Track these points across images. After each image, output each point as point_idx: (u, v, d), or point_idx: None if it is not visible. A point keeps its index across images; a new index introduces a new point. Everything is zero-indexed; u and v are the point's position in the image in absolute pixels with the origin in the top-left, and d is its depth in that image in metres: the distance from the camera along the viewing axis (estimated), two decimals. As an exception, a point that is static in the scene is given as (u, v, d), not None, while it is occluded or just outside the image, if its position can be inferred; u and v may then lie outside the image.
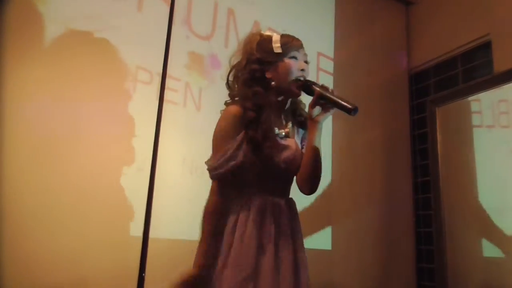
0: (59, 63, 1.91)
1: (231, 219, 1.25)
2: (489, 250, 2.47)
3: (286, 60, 1.33)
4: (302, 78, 1.32)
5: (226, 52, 2.31)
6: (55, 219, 1.78)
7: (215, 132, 1.30)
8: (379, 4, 3.14)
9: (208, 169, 1.28)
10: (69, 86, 1.92)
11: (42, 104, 1.85)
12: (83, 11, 2.01)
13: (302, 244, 1.32)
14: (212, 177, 1.28)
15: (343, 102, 1.19)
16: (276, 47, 1.33)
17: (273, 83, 1.32)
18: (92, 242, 1.82)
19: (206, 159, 1.30)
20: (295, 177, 1.37)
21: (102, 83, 2.01)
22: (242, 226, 1.23)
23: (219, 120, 1.31)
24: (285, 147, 1.31)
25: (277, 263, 1.21)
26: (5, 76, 1.77)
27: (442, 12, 2.96)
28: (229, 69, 1.40)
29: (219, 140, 1.28)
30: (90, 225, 1.84)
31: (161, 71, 2.13)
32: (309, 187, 1.33)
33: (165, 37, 2.17)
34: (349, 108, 1.16)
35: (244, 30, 2.42)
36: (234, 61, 1.39)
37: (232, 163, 1.23)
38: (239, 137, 1.25)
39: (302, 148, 1.39)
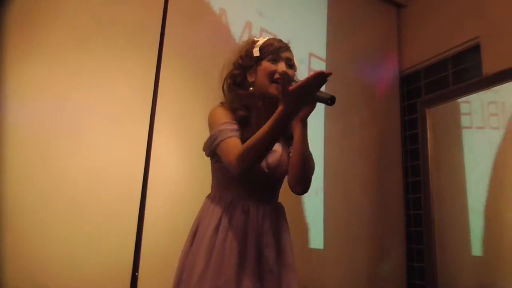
0: (58, 62, 1.92)
1: (213, 220, 1.25)
2: (478, 249, 2.51)
3: (264, 63, 1.32)
4: (279, 80, 1.26)
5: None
6: (50, 219, 1.78)
7: (210, 121, 1.30)
8: (371, 6, 3.17)
9: (210, 143, 1.26)
10: (67, 85, 1.92)
11: (41, 104, 1.86)
12: (82, 10, 2.02)
13: (290, 250, 1.30)
14: (214, 147, 1.24)
15: (319, 95, 1.16)
16: (255, 51, 1.33)
17: (251, 88, 1.32)
18: (86, 241, 1.83)
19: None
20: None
21: (99, 82, 2.02)
22: (225, 229, 1.22)
23: (210, 115, 1.31)
24: (271, 152, 1.28)
25: (259, 268, 1.21)
26: (5, 76, 1.78)
27: (433, 15, 3.00)
28: (223, 77, 1.41)
29: (216, 122, 1.26)
30: (84, 224, 1.84)
31: (155, 69, 2.15)
32: (299, 187, 1.29)
33: (159, 36, 2.20)
34: (326, 99, 1.13)
35: (237, 30, 2.45)
36: (229, 68, 1.41)
37: (232, 130, 1.23)
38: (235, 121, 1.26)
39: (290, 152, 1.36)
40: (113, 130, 2.01)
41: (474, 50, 2.66)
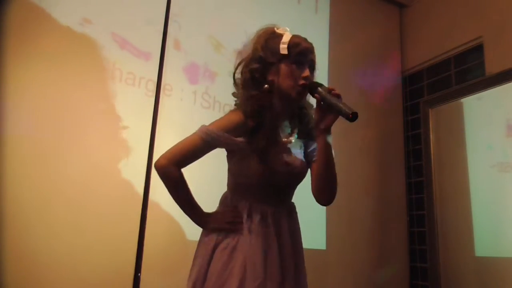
0: (58, 62, 1.92)
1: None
2: (482, 249, 2.50)
3: (289, 64, 1.22)
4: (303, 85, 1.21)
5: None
6: (51, 220, 1.79)
7: (218, 120, 1.26)
8: (373, 7, 3.16)
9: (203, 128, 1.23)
10: (67, 85, 1.93)
11: (42, 104, 1.86)
12: (82, 10, 2.02)
13: (302, 252, 1.31)
14: (199, 131, 1.23)
15: (342, 107, 1.10)
16: (283, 48, 1.22)
17: (266, 86, 1.23)
18: (89, 242, 1.83)
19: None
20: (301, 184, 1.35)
21: (100, 81, 2.02)
22: (245, 238, 1.22)
23: (223, 117, 1.27)
24: (289, 159, 1.26)
25: (281, 272, 1.21)
26: (5, 77, 1.78)
27: (435, 15, 2.99)
28: (236, 64, 1.30)
29: (223, 123, 1.23)
30: (86, 225, 1.85)
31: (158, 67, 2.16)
32: (325, 198, 1.28)
33: (161, 32, 2.21)
34: (347, 113, 1.08)
35: (237, 29, 2.44)
36: (244, 56, 1.30)
37: (227, 136, 1.20)
38: (235, 139, 1.21)
39: (311, 158, 1.31)
40: (115, 129, 2.01)
41: (477, 50, 2.65)
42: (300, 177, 1.32)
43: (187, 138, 1.26)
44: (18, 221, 1.72)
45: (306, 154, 1.33)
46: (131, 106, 2.07)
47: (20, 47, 1.84)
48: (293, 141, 1.29)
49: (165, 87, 2.16)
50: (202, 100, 2.26)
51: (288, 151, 1.27)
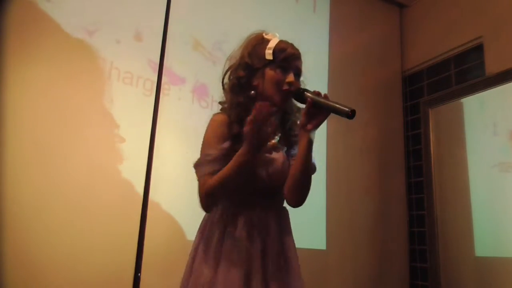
0: (58, 62, 1.92)
1: (218, 230, 1.23)
2: (482, 249, 2.50)
3: (273, 69, 1.24)
4: (287, 90, 1.23)
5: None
6: (51, 219, 1.79)
7: (203, 139, 1.28)
8: (373, 7, 3.16)
9: (194, 166, 1.26)
10: (67, 85, 1.93)
11: (42, 104, 1.86)
12: (83, 11, 2.02)
13: (294, 255, 1.28)
14: (197, 174, 1.25)
15: (340, 106, 1.11)
16: (268, 53, 1.24)
17: (252, 92, 1.25)
18: (89, 242, 1.83)
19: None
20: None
21: (100, 82, 2.02)
22: (231, 239, 1.21)
23: (207, 128, 1.29)
24: (271, 161, 1.26)
25: (266, 275, 1.19)
26: (6, 77, 1.78)
27: (435, 15, 2.99)
28: (225, 70, 1.33)
29: (205, 146, 1.26)
30: (86, 225, 1.85)
31: (158, 67, 2.16)
32: (296, 199, 1.27)
33: (161, 35, 2.20)
34: (347, 111, 1.08)
35: (236, 29, 2.45)
36: (233, 61, 1.32)
37: (212, 164, 1.21)
38: (225, 145, 1.22)
39: (290, 161, 1.31)
40: (114, 129, 2.01)
41: (477, 50, 2.65)
42: (283, 176, 1.29)
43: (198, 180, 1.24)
44: (18, 221, 1.72)
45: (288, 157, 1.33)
46: (129, 105, 2.07)
47: (20, 47, 1.84)
48: (276, 142, 1.29)
49: (163, 87, 2.16)
50: (200, 100, 2.26)
51: (270, 152, 1.27)
